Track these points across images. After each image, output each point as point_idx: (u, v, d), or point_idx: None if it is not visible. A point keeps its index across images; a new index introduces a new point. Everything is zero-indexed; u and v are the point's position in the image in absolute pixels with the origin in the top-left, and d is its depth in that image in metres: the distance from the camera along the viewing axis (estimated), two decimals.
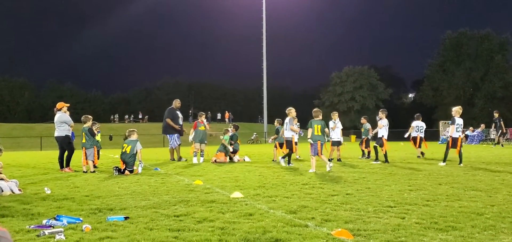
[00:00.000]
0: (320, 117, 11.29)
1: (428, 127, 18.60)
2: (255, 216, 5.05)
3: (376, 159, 13.43)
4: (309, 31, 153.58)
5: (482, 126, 31.57)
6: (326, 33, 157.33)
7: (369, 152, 15.43)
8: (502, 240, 3.89)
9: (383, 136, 13.81)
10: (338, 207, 5.58)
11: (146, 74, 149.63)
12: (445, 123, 38.36)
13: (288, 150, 12.68)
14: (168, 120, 15.86)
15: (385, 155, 13.10)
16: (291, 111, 13.04)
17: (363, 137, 16.01)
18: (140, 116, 69.89)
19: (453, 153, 12.22)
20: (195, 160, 14.25)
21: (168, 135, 16.21)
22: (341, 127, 14.87)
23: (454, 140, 11.93)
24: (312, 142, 10.77)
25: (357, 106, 72.92)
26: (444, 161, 11.90)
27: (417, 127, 15.77)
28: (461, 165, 11.44)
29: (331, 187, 7.54)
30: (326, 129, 13.55)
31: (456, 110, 12.19)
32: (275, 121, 16.14)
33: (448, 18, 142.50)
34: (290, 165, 12.40)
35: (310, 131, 10.89)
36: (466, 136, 31.02)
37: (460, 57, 64.92)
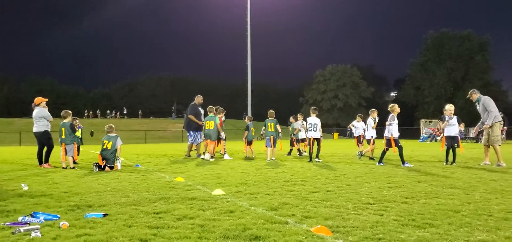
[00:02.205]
0: (274, 117, 14.19)
1: (409, 125, 18.73)
2: (236, 213, 5.05)
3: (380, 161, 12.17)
4: (295, 29, 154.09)
5: (463, 124, 32.16)
6: (311, 32, 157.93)
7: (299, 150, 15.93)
8: (477, 237, 3.96)
9: (372, 136, 13.97)
10: (318, 204, 5.62)
11: (129, 70, 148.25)
12: (425, 121, 38.91)
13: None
14: (191, 116, 15.30)
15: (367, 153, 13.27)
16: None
17: (292, 136, 16.15)
18: (124, 112, 69.29)
19: (437, 150, 12.36)
20: (206, 156, 13.81)
21: (190, 131, 15.54)
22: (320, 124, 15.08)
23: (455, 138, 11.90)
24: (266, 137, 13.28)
25: (340, 104, 73.52)
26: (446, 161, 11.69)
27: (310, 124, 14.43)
28: (454, 163, 11.51)
29: (313, 184, 7.58)
30: (278, 126, 14.44)
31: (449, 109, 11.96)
32: (246, 118, 16.50)
33: (430, 18, 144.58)
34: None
35: (263, 127, 13.24)
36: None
37: (441, 56, 65.95)
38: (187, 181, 8.19)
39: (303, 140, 16.09)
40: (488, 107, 11.57)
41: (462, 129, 31.23)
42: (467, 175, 8.91)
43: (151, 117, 69.92)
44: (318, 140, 13.20)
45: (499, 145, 11.45)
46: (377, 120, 14.44)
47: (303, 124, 16.07)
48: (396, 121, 11.57)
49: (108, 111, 70.78)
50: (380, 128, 13.97)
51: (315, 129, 13.21)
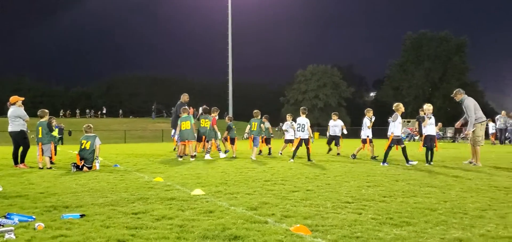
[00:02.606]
0: (259, 117, 14.62)
1: (388, 125, 18.94)
2: (215, 213, 5.03)
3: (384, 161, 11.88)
4: (276, 28, 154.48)
5: (440, 124, 32.75)
6: (292, 31, 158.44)
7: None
8: (452, 235, 4.03)
9: (368, 136, 14.01)
10: (298, 203, 5.64)
11: (108, 68, 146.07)
12: (404, 121, 39.41)
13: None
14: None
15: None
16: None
17: (264, 135, 16.21)
18: (103, 111, 68.36)
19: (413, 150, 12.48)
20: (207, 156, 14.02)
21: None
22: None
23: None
24: (249, 136, 14.07)
25: (320, 104, 73.95)
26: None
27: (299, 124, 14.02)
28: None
29: (293, 183, 7.61)
30: (262, 125, 14.83)
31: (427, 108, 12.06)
32: (226, 118, 16.80)
33: (408, 20, 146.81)
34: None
35: (248, 127, 14.16)
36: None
37: (419, 57, 66.99)
38: (166, 181, 8.13)
39: (291, 141, 16.11)
40: (469, 112, 11.47)
41: (438, 129, 31.85)
42: (444, 174, 9.07)
43: (131, 116, 69.19)
44: (306, 141, 13.18)
45: (480, 145, 11.51)
46: (373, 119, 14.42)
47: (292, 124, 16.07)
48: (399, 119, 11.67)
49: (87, 111, 69.74)
50: (378, 128, 13.96)
51: (303, 129, 13.26)
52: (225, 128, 15.61)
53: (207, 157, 13.92)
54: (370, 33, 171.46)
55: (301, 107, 14.04)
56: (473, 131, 11.50)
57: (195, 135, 14.36)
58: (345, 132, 16.90)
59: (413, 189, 6.89)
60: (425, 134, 11.89)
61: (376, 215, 4.87)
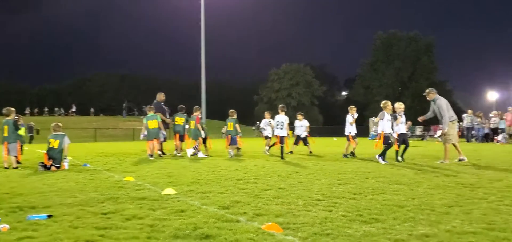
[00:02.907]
0: (235, 116, 14.86)
1: (359, 123, 19.26)
2: (187, 213, 5.00)
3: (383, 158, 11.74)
4: (250, 26, 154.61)
5: (409, 123, 33.50)
6: (266, 30, 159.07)
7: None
8: (420, 231, 4.13)
9: (350, 132, 14.11)
10: (270, 202, 5.67)
11: (77, 66, 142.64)
12: (374, 119, 40.16)
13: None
14: (160, 114, 14.97)
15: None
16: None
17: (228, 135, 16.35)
18: (73, 110, 66.72)
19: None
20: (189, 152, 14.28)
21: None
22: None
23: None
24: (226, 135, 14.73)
25: (293, 103, 74.43)
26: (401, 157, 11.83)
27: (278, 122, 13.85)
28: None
29: (265, 182, 7.64)
30: (237, 125, 14.94)
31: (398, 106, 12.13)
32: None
33: (379, 19, 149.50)
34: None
35: (225, 127, 14.70)
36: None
37: (390, 57, 68.32)
38: (137, 180, 8.02)
39: (268, 138, 16.18)
40: (442, 112, 11.67)
41: (408, 128, 32.56)
42: (412, 171, 9.28)
43: (101, 115, 67.87)
44: (282, 139, 13.30)
45: (453, 143, 11.70)
46: (355, 116, 14.52)
47: (270, 122, 16.15)
48: (387, 117, 11.70)
49: (56, 109, 67.96)
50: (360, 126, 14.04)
51: (281, 127, 13.36)
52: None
53: (200, 155, 14.12)
54: (343, 32, 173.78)
55: (280, 105, 14.29)
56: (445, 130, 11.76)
57: (164, 133, 14.44)
58: (306, 133, 17.04)
59: (383, 186, 7.03)
60: (398, 132, 12.10)
61: (346, 212, 4.94)
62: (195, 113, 14.95)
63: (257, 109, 74.56)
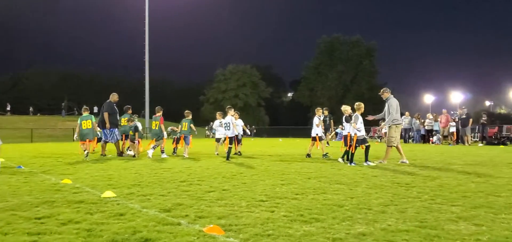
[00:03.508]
0: (190, 117, 15.23)
1: (303, 125, 19.67)
2: (126, 216, 4.87)
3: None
4: (196, 26, 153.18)
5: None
6: (212, 30, 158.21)
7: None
8: (357, 230, 4.27)
9: (317, 134, 14.20)
10: (213, 203, 5.64)
11: (12, 62, 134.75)
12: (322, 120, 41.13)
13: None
14: (106, 114, 14.94)
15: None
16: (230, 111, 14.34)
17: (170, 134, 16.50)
18: (8, 109, 62.99)
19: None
20: (150, 153, 14.18)
21: (104, 130, 15.17)
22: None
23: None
24: (180, 135, 14.89)
25: (240, 104, 74.71)
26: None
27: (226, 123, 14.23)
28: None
29: (209, 184, 7.59)
30: (192, 125, 15.29)
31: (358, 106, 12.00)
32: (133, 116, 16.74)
33: (324, 23, 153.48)
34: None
35: (179, 126, 15.07)
36: (336, 133, 33.84)
37: (333, 60, 70.41)
38: (75, 183, 7.71)
39: (219, 140, 16.12)
40: (391, 110, 11.96)
41: (341, 129, 33.62)
42: (352, 171, 9.59)
43: (39, 114, 64.64)
44: (230, 139, 13.46)
45: (393, 146, 12.00)
46: (322, 118, 14.54)
47: (221, 123, 16.12)
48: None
49: None
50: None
51: (228, 128, 13.40)
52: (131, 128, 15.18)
53: (163, 155, 14.24)
54: (288, 34, 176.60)
55: (227, 106, 14.42)
56: (388, 130, 12.14)
57: (98, 133, 14.86)
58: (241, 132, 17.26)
59: (324, 186, 7.20)
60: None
61: (288, 213, 5.01)
62: (158, 114, 15.04)
63: (203, 110, 74.12)
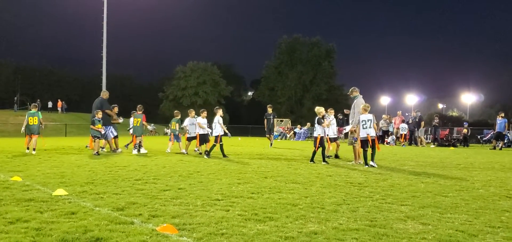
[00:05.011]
0: (179, 117, 15.90)
1: (263, 123, 19.83)
2: (78, 215, 4.77)
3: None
4: (154, 22, 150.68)
5: (308, 124, 35.16)
6: (171, 26, 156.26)
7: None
8: (309, 228, 4.39)
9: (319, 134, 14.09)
10: (168, 202, 5.62)
11: None
12: (277, 120, 41.49)
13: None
14: (109, 111, 15.53)
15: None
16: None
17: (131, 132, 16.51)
18: None
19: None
20: (135, 151, 14.51)
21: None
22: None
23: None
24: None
25: (200, 101, 74.11)
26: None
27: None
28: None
29: (165, 182, 7.54)
30: (177, 125, 15.73)
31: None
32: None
33: (284, 23, 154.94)
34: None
35: (169, 125, 15.64)
36: (294, 133, 34.36)
37: (293, 60, 71.12)
38: (25, 180, 7.45)
39: (194, 138, 15.84)
40: (357, 109, 12.04)
41: (307, 128, 34.22)
42: (308, 170, 9.78)
43: None
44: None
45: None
46: (326, 117, 14.39)
47: (193, 122, 16.12)
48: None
49: None
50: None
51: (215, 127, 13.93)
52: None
53: (142, 151, 14.55)
54: (249, 34, 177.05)
55: (215, 107, 15.14)
56: (352, 131, 12.33)
57: (101, 132, 14.53)
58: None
59: (279, 185, 7.32)
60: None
61: (243, 211, 5.07)
62: (139, 112, 15.35)
63: (162, 107, 73.06)
